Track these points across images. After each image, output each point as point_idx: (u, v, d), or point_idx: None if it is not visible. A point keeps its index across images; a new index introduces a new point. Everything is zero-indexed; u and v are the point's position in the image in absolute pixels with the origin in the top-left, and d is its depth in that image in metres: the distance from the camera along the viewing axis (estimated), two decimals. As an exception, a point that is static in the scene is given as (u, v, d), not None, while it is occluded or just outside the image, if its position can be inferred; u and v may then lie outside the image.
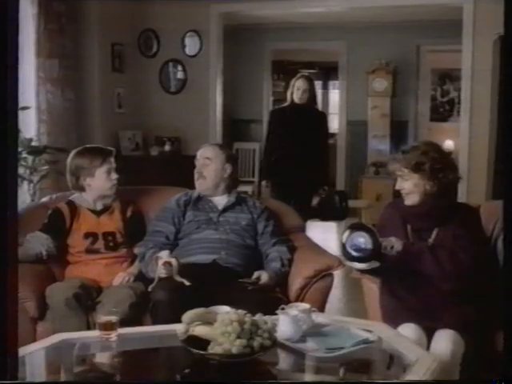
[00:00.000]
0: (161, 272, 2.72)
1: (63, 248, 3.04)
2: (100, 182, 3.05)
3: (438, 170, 2.45)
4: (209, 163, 3.10)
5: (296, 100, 4.71)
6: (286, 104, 4.87)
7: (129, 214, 3.15)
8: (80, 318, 2.75)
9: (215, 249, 2.95)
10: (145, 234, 3.12)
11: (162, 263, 2.72)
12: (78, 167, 3.06)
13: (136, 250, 3.07)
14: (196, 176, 3.13)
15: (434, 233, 2.51)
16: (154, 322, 2.67)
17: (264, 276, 2.86)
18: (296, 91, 4.71)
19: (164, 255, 2.78)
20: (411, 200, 2.51)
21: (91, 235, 3.03)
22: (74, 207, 3.08)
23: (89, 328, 2.69)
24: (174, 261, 2.73)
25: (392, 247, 2.40)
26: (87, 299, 2.81)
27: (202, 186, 3.11)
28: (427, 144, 2.59)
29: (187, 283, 2.67)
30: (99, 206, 3.12)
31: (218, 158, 3.10)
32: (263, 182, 5.03)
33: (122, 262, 3.05)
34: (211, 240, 2.98)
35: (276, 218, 3.22)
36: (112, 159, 3.09)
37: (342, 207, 5.22)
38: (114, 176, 3.07)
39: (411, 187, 2.49)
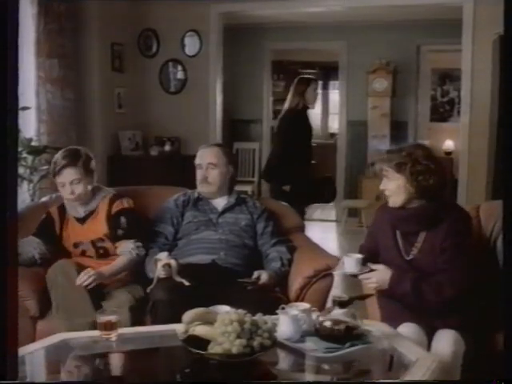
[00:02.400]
0: (160, 273, 2.72)
1: (61, 250, 3.00)
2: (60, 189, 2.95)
3: (417, 172, 2.41)
4: (213, 168, 3.08)
5: (309, 104, 4.72)
6: (298, 107, 4.75)
7: (113, 212, 2.98)
8: (82, 294, 2.71)
9: (214, 249, 2.95)
10: (132, 232, 3.01)
11: (162, 265, 2.72)
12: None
13: (118, 251, 2.96)
14: (200, 180, 3.09)
15: (422, 236, 2.48)
16: (153, 322, 2.67)
17: (264, 275, 2.85)
18: (313, 93, 4.72)
19: (163, 256, 2.77)
20: (394, 201, 2.49)
21: (80, 244, 2.98)
22: (63, 213, 3.01)
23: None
24: (173, 262, 2.73)
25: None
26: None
27: (206, 189, 3.09)
28: (414, 146, 2.57)
29: (186, 283, 2.67)
30: (81, 213, 2.99)
31: (221, 161, 3.09)
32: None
33: None
34: (210, 240, 2.98)
35: (275, 218, 3.22)
36: (67, 172, 2.86)
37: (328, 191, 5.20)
38: (67, 191, 2.88)
39: (394, 188, 2.46)
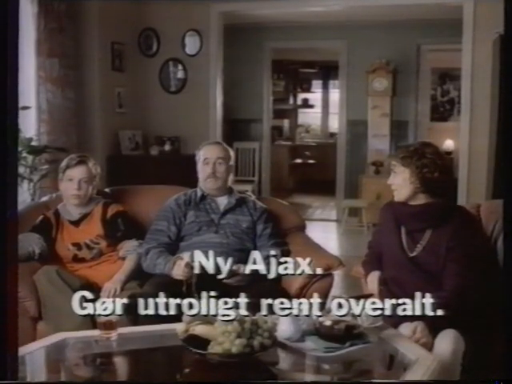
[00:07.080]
0: (180, 273, 2.71)
1: (52, 254, 3.01)
2: (61, 187, 3.06)
3: (422, 165, 2.44)
4: (221, 162, 3.06)
5: None
6: None
7: (109, 215, 3.08)
8: (66, 295, 2.70)
9: (215, 254, 2.92)
10: (132, 232, 3.07)
11: (185, 264, 2.68)
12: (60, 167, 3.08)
13: (121, 253, 3.01)
14: (207, 175, 3.05)
15: (427, 234, 2.48)
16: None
17: (242, 268, 2.81)
18: None
19: (186, 256, 2.73)
20: (399, 195, 2.51)
21: (74, 245, 3.00)
22: (58, 218, 3.06)
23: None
24: (195, 265, 2.69)
25: None
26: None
27: (213, 185, 3.06)
28: (422, 143, 2.59)
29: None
30: (76, 216, 3.06)
31: (228, 156, 3.10)
32: None
33: (115, 261, 3.02)
34: (211, 244, 2.93)
35: (276, 217, 3.20)
36: (81, 169, 3.02)
37: None
38: (74, 186, 3.01)
39: (400, 182, 2.48)
